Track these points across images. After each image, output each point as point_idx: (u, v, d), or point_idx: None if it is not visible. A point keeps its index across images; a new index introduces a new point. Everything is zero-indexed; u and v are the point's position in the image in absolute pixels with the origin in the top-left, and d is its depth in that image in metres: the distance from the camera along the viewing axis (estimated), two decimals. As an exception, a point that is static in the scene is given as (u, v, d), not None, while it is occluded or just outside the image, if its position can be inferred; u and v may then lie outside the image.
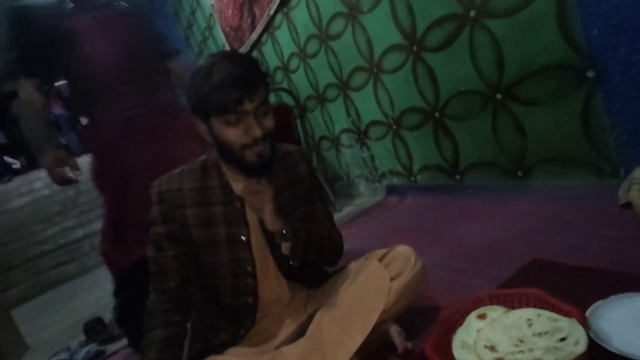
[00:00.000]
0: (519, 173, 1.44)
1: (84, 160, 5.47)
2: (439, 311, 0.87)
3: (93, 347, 1.68)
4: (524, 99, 1.31)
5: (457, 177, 1.72)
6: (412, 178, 2.00)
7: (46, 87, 1.34)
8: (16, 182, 5.46)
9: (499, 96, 1.38)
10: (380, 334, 0.86)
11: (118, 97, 1.30)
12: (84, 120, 1.43)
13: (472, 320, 0.84)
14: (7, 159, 6.44)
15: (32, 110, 1.30)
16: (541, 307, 0.78)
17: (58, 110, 6.56)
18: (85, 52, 1.27)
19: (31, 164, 6.43)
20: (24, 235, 4.46)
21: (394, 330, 0.86)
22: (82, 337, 1.82)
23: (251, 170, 0.82)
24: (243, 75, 0.76)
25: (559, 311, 0.75)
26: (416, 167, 1.94)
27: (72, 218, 4.65)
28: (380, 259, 0.93)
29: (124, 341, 1.66)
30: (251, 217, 0.87)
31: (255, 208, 0.82)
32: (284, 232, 0.83)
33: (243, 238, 0.86)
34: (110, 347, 1.68)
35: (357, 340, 0.79)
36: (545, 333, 0.71)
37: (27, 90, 1.30)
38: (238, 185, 0.86)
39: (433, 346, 0.77)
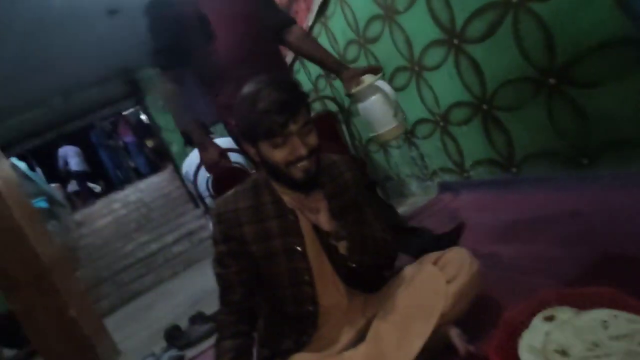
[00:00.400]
0: (584, 161, 1.34)
1: (152, 181, 5.90)
2: (502, 313, 0.84)
3: (174, 352, 1.83)
4: (582, 80, 1.22)
5: (514, 169, 1.63)
6: (465, 174, 1.93)
7: (181, 78, 1.37)
8: (98, 204, 6.08)
9: (552, 81, 1.30)
10: (440, 337, 0.85)
11: (243, 76, 1.31)
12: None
13: (538, 322, 0.80)
14: (90, 184, 7.20)
15: (173, 105, 1.36)
16: (616, 308, 0.73)
17: (127, 137, 7.23)
18: (213, 35, 1.27)
19: (109, 188, 7.15)
20: (109, 251, 4.95)
21: (455, 333, 0.85)
22: (164, 343, 1.99)
23: (299, 186, 0.86)
24: (286, 100, 0.81)
25: (638, 312, 0.69)
26: (468, 162, 1.88)
27: (146, 233, 5.08)
28: (435, 262, 0.93)
29: (201, 346, 1.81)
30: (305, 228, 0.92)
31: (310, 210, 0.85)
32: (339, 232, 0.86)
33: (299, 248, 0.91)
34: (189, 352, 1.83)
35: (416, 344, 0.80)
36: (624, 336, 0.66)
37: (164, 85, 1.35)
38: (289, 198, 0.91)
39: (497, 350, 0.76)
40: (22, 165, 5.37)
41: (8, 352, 3.29)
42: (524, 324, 0.81)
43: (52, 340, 2.15)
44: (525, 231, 1.28)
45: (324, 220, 0.85)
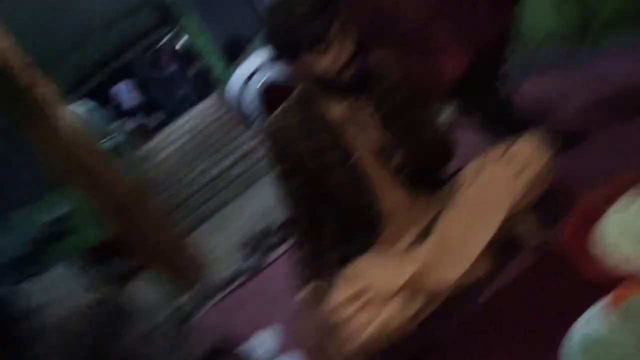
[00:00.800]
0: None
1: (202, 108, 5.97)
2: (577, 201, 0.80)
3: (256, 256, 2.07)
4: None
5: (588, 42, 1.42)
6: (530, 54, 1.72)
7: None
8: (157, 138, 6.40)
9: None
10: (509, 230, 0.85)
11: None
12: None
13: (622, 205, 0.75)
14: (146, 118, 7.53)
15: None
16: None
17: (171, 66, 7.26)
18: None
19: (165, 120, 7.45)
20: (174, 181, 5.34)
21: (525, 225, 0.84)
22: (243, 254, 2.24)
23: (352, 91, 0.82)
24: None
25: None
26: (534, 40, 1.65)
27: (205, 160, 5.36)
28: (503, 154, 0.88)
29: (277, 252, 2.00)
30: (357, 136, 0.90)
31: (359, 124, 0.83)
32: (391, 145, 0.83)
33: (353, 158, 0.90)
34: (266, 259, 2.05)
35: (485, 237, 0.80)
36: None
37: None
38: (336, 108, 0.87)
39: (571, 239, 0.73)
40: (82, 107, 5.69)
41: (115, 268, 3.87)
42: (602, 210, 0.76)
43: (147, 262, 2.49)
44: (604, 111, 1.14)
45: (374, 136, 0.82)
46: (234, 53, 2.18)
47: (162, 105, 7.49)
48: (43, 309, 1.80)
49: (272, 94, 1.89)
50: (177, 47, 7.52)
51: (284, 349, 1.24)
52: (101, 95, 7.29)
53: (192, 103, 7.16)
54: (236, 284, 2.04)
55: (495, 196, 0.83)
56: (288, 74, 1.19)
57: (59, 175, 2.31)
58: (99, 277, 2.66)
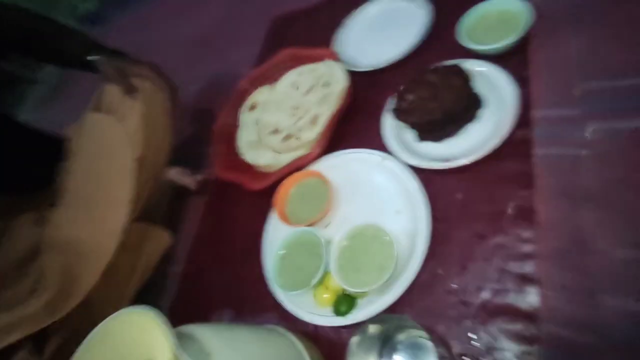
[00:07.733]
0: None
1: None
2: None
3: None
4: None
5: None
6: None
7: None
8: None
9: None
10: (165, 185, 0.69)
11: None
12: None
13: (244, 116, 0.74)
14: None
15: None
16: (299, 65, 0.72)
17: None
18: None
19: None
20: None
21: (175, 173, 0.72)
22: None
23: None
24: None
25: (314, 59, 0.70)
26: None
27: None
28: (95, 108, 0.65)
29: None
30: None
31: None
32: None
33: None
34: None
35: (115, 226, 0.55)
36: (312, 88, 0.66)
37: None
38: None
39: (223, 165, 0.67)
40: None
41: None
42: (235, 127, 0.73)
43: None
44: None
45: None
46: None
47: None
48: None
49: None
50: None
51: None
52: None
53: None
54: None
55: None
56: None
57: None
58: None
